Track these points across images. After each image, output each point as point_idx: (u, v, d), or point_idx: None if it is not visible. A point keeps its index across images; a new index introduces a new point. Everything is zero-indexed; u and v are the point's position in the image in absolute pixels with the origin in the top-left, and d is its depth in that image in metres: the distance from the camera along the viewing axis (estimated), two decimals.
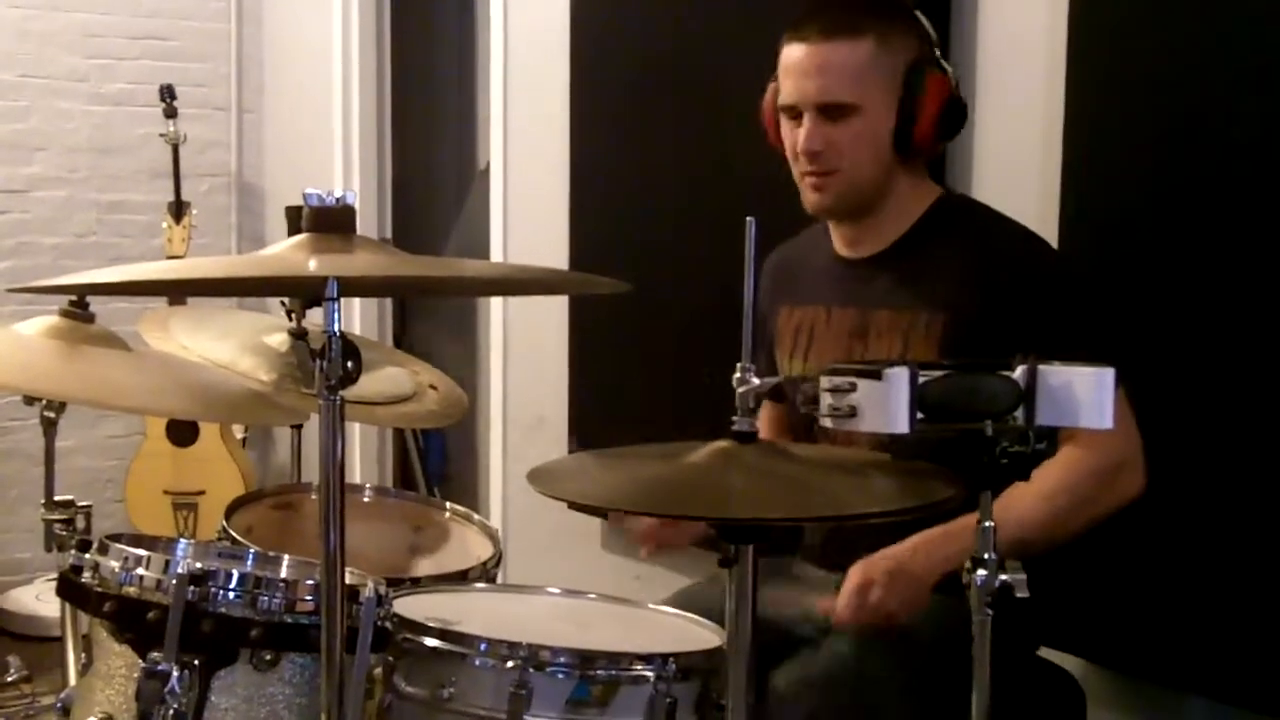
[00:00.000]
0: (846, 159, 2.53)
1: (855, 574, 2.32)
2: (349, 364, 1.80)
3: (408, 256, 2.10)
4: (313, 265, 1.82)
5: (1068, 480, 2.37)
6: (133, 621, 2.06)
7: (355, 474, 5.97)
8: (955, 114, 2.56)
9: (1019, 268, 2.47)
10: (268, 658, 2.07)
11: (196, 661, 2.02)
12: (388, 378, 2.99)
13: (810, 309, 2.70)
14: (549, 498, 1.82)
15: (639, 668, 2.08)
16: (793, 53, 2.55)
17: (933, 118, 2.51)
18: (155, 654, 1.99)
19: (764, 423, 2.79)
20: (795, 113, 2.56)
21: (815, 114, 2.53)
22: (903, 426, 1.79)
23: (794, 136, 2.56)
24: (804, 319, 2.71)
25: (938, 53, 2.56)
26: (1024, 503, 2.32)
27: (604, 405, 4.32)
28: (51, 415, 2.81)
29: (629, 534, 2.76)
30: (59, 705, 2.27)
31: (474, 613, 2.33)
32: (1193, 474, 2.55)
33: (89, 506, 2.74)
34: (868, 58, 2.49)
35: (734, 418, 1.88)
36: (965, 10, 3.08)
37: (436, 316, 6.73)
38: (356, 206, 1.94)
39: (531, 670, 2.05)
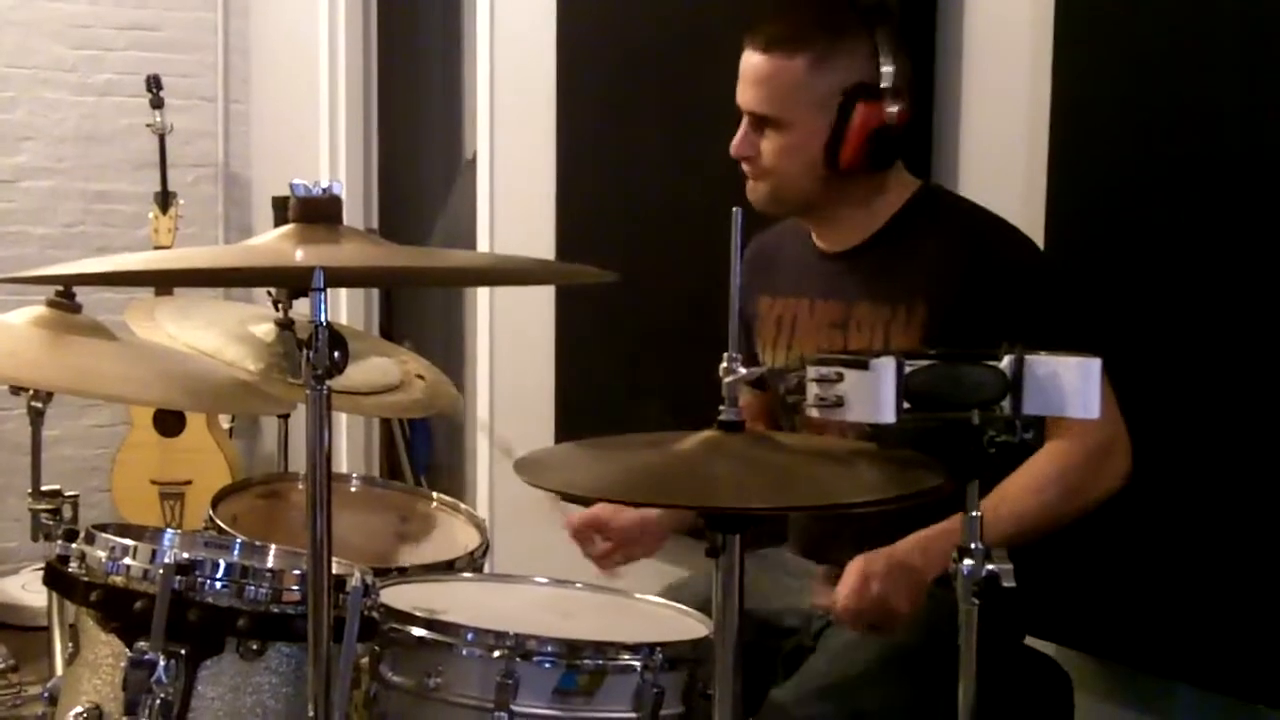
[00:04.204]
0: (774, 169, 2.56)
1: (855, 568, 2.32)
2: (336, 354, 1.81)
3: (394, 247, 2.10)
4: (299, 255, 1.82)
5: (1056, 471, 2.37)
6: (119, 611, 2.06)
7: (342, 463, 5.97)
8: (884, 147, 2.53)
9: (996, 259, 2.47)
10: (254, 647, 2.08)
11: (183, 651, 2.02)
12: (374, 367, 2.99)
13: (792, 300, 2.70)
14: (536, 487, 1.82)
15: (626, 657, 2.08)
16: (745, 59, 2.58)
17: (857, 144, 2.50)
18: (142, 643, 2.00)
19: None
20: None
21: (748, 120, 2.57)
22: (889, 416, 1.80)
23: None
24: (785, 310, 2.71)
25: (884, 73, 2.50)
26: (1016, 497, 2.35)
27: (591, 395, 4.32)
28: (38, 405, 2.81)
29: (588, 553, 2.77)
30: (45, 694, 2.28)
31: (461, 602, 2.34)
32: (1178, 463, 2.56)
33: (76, 496, 2.74)
34: (798, 77, 2.50)
35: (721, 407, 1.88)
36: (951, 1, 3.08)
37: (423, 306, 6.74)
38: (343, 197, 1.94)
39: (518, 660, 2.05)
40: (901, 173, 2.63)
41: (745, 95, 2.57)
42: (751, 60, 2.55)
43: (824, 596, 2.38)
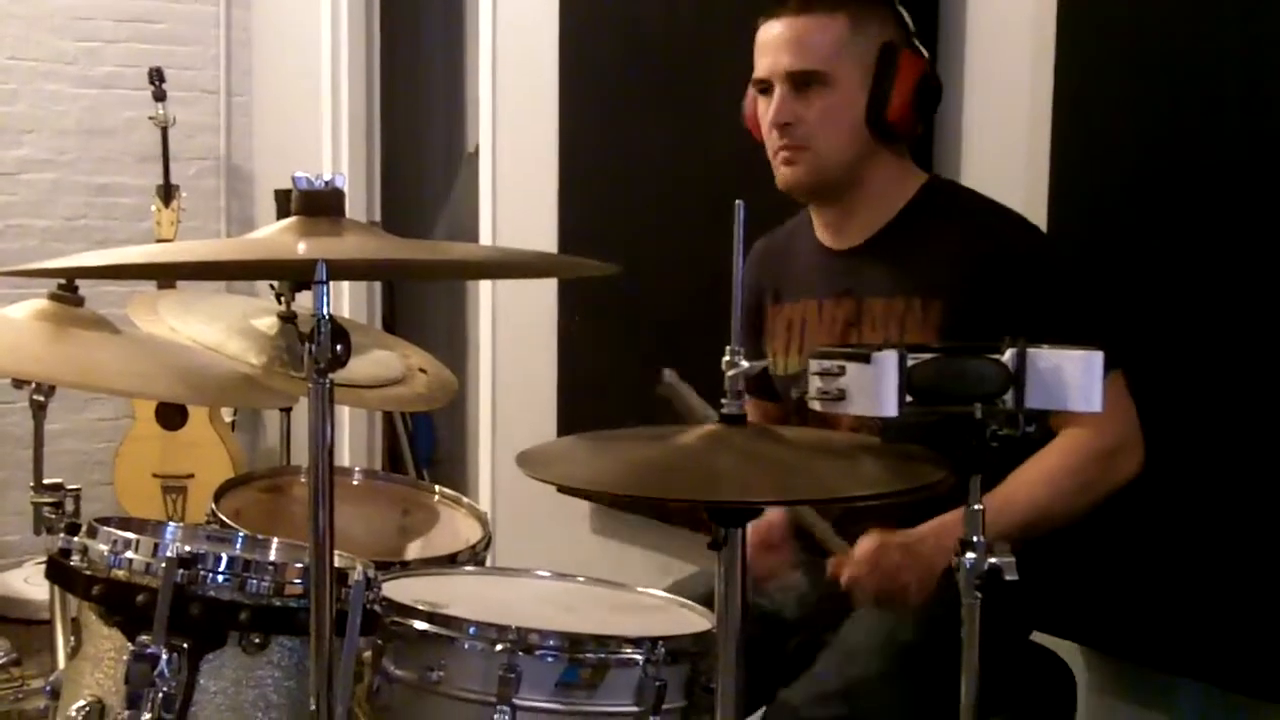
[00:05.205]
0: (817, 134, 2.53)
1: (869, 539, 2.32)
2: (338, 347, 1.80)
3: (396, 240, 2.09)
4: (302, 248, 1.81)
5: (1070, 463, 2.38)
6: (121, 604, 2.06)
7: (344, 457, 5.97)
8: (930, 94, 2.56)
9: (1010, 253, 2.46)
10: (256, 641, 2.07)
11: (185, 644, 2.02)
12: (377, 361, 2.99)
13: (800, 303, 2.68)
14: (538, 481, 1.82)
15: (628, 651, 2.08)
16: (768, 29, 2.56)
17: (906, 96, 2.51)
18: (144, 637, 1.99)
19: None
20: (767, 88, 2.56)
21: (786, 86, 2.53)
22: (891, 410, 1.80)
23: (767, 113, 2.57)
24: (794, 314, 2.69)
25: (913, 36, 2.56)
26: (1029, 488, 2.36)
27: (592, 388, 4.32)
28: (40, 398, 2.81)
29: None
30: (48, 688, 2.27)
31: (463, 596, 2.34)
32: (1184, 458, 2.55)
33: (78, 490, 2.73)
34: (842, 33, 2.50)
35: (722, 400, 1.88)
36: None
37: (425, 300, 6.74)
38: (345, 190, 1.94)
39: (520, 653, 2.05)
40: (912, 165, 2.63)
41: (780, 60, 2.53)
42: (784, 25, 2.53)
43: (836, 565, 2.37)
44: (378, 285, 6.18)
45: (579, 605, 2.42)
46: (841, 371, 1.82)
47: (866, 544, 2.32)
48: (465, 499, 3.04)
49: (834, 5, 2.51)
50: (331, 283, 1.81)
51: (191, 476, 5.86)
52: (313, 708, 1.87)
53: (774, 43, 2.55)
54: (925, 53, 2.56)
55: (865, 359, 1.80)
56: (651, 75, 4.01)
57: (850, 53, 2.51)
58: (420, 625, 2.13)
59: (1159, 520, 2.61)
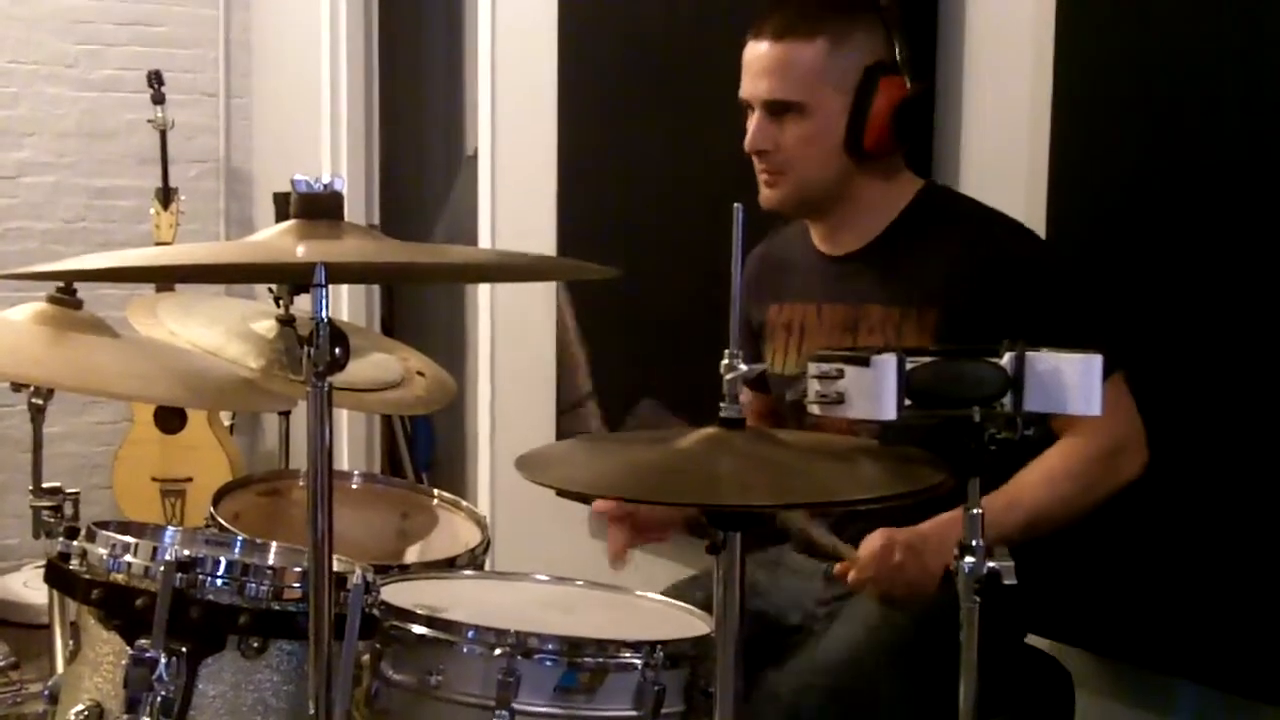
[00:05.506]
0: (794, 160, 2.53)
1: (876, 537, 2.32)
2: (337, 350, 1.80)
3: (395, 243, 2.09)
4: (301, 251, 1.82)
5: (1072, 465, 2.38)
6: (120, 608, 2.06)
7: (343, 460, 5.97)
8: (910, 118, 2.55)
9: (1008, 259, 2.46)
10: (255, 645, 2.07)
11: (184, 648, 2.02)
12: (376, 364, 2.99)
13: (799, 305, 2.68)
14: (537, 484, 1.82)
15: (627, 655, 2.08)
16: (750, 51, 2.56)
17: (884, 121, 2.50)
18: (143, 641, 1.99)
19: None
20: (750, 108, 2.57)
21: (763, 112, 2.54)
22: (890, 413, 1.80)
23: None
24: (793, 315, 2.69)
25: (899, 55, 2.53)
26: (1032, 489, 2.36)
27: (592, 390, 4.32)
28: (39, 402, 2.81)
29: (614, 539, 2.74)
30: (46, 692, 2.27)
31: (462, 600, 2.34)
32: (1180, 460, 2.55)
33: (77, 493, 2.73)
34: (819, 59, 2.49)
35: (721, 404, 1.88)
36: (952, 1, 3.08)
37: (424, 303, 6.74)
38: (344, 192, 1.94)
39: (519, 657, 2.05)
40: (905, 171, 2.63)
41: (758, 85, 2.53)
42: (763, 49, 2.53)
43: (843, 569, 2.37)
44: (376, 288, 6.19)
45: (578, 609, 2.42)
46: (840, 375, 1.82)
47: (872, 543, 2.32)
48: (464, 502, 3.04)
49: (813, 29, 2.50)
50: (330, 286, 1.81)
51: (190, 480, 5.86)
52: (311, 712, 1.87)
53: (754, 66, 2.55)
54: (910, 70, 2.54)
55: (864, 362, 1.80)
56: (651, 77, 4.01)
57: (829, 79, 2.50)
58: (419, 629, 2.12)
59: (1157, 522, 2.62)
